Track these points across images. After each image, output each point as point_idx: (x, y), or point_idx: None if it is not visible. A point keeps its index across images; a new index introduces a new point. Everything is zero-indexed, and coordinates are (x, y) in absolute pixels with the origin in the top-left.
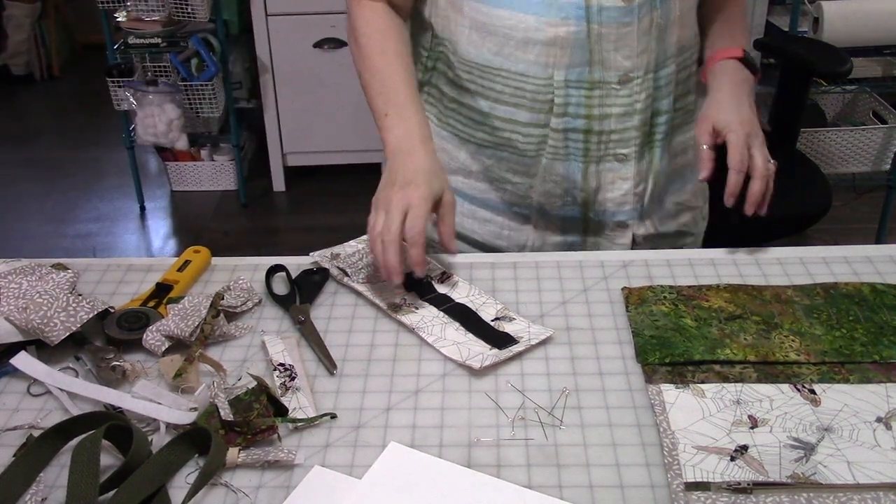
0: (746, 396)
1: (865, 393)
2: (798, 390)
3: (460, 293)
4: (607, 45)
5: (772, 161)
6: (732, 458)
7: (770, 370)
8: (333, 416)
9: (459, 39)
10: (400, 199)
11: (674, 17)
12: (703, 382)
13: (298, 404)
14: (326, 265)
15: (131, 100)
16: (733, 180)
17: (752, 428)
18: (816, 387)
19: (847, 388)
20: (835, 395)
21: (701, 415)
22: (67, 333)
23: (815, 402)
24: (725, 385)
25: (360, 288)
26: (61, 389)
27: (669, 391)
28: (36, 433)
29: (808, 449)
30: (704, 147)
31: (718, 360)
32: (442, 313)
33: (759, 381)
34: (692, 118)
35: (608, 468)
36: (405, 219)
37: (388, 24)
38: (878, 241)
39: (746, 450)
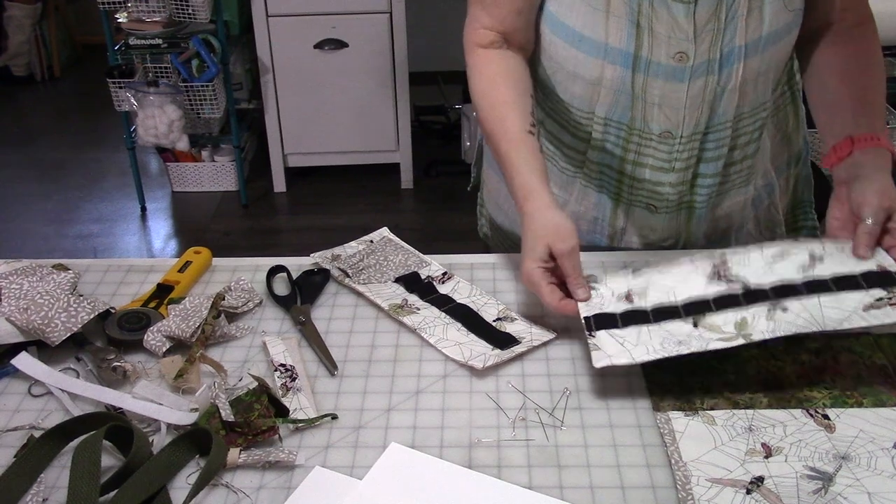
0: (758, 423)
1: (880, 418)
2: (811, 416)
3: (462, 294)
4: (651, 99)
5: None
6: (748, 492)
7: (781, 394)
8: (334, 417)
9: (536, 52)
10: (534, 274)
11: (735, 84)
12: (712, 409)
13: (299, 405)
14: (327, 266)
15: (132, 101)
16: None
17: (766, 457)
18: (830, 412)
19: (861, 413)
20: (849, 421)
21: (713, 444)
22: (68, 334)
23: (830, 429)
24: (736, 412)
25: (361, 289)
26: (62, 390)
27: (678, 419)
28: (37, 434)
29: (826, 479)
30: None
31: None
32: (443, 314)
33: (770, 406)
34: (747, 183)
35: (609, 469)
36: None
37: (497, 71)
38: None
39: (762, 481)
